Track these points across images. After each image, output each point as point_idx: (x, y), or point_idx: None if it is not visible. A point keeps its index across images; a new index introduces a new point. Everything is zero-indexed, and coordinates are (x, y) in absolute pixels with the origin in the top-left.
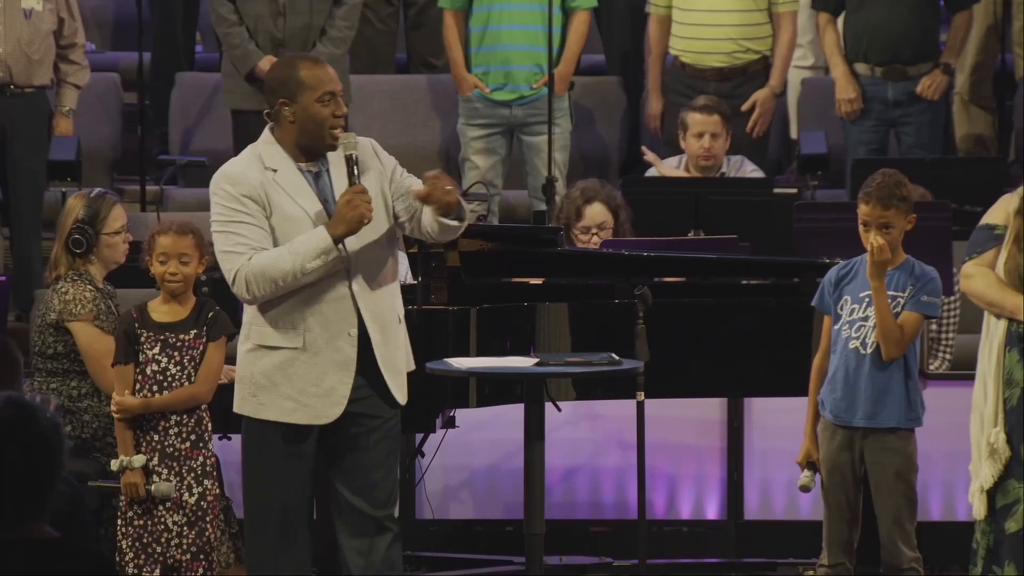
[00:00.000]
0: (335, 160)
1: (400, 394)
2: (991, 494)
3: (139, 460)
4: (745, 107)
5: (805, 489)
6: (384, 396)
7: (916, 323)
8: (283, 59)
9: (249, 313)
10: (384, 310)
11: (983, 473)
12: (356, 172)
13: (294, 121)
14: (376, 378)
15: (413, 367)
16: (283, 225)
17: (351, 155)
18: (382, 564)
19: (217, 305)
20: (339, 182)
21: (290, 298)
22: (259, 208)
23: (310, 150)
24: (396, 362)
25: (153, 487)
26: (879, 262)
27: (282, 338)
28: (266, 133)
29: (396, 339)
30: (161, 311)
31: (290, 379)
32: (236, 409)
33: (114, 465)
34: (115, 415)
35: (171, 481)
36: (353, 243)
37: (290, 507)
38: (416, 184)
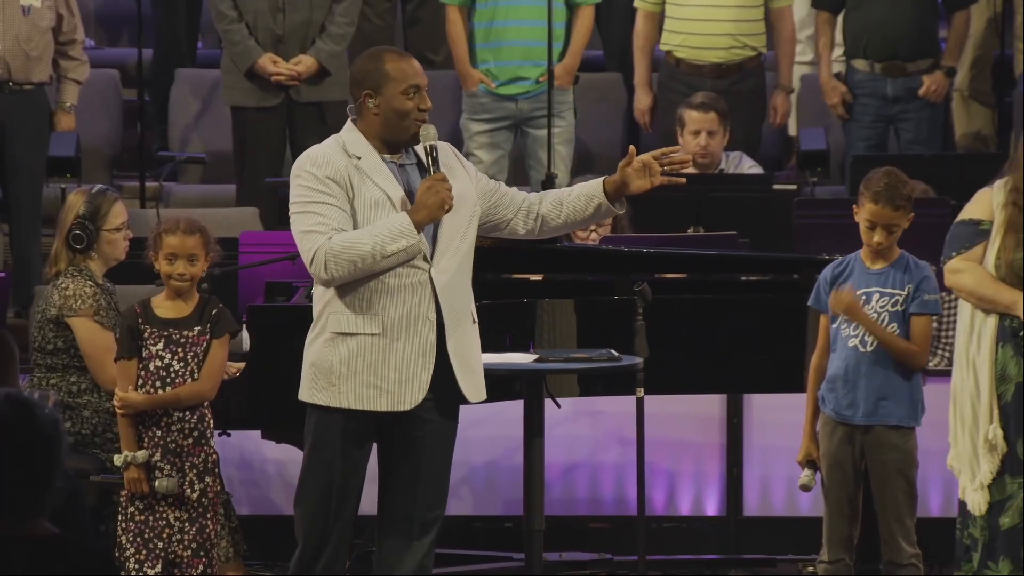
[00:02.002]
0: (421, 155)
1: (472, 391)
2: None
3: (142, 456)
4: (771, 118)
5: (805, 488)
6: (452, 393)
7: (928, 325)
8: (369, 51)
9: (323, 301)
10: (459, 305)
11: (982, 469)
12: (435, 162)
13: (378, 113)
14: (448, 372)
15: (484, 396)
16: (365, 209)
17: (429, 145)
18: (418, 567)
19: (220, 302)
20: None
21: (368, 283)
22: (342, 191)
23: (392, 142)
24: (469, 358)
25: (157, 483)
26: (852, 312)
27: (360, 323)
28: (348, 124)
29: (469, 337)
30: (165, 307)
31: (371, 366)
32: (306, 399)
33: (117, 460)
34: (118, 411)
35: (174, 476)
36: (439, 231)
37: (347, 498)
38: (501, 186)
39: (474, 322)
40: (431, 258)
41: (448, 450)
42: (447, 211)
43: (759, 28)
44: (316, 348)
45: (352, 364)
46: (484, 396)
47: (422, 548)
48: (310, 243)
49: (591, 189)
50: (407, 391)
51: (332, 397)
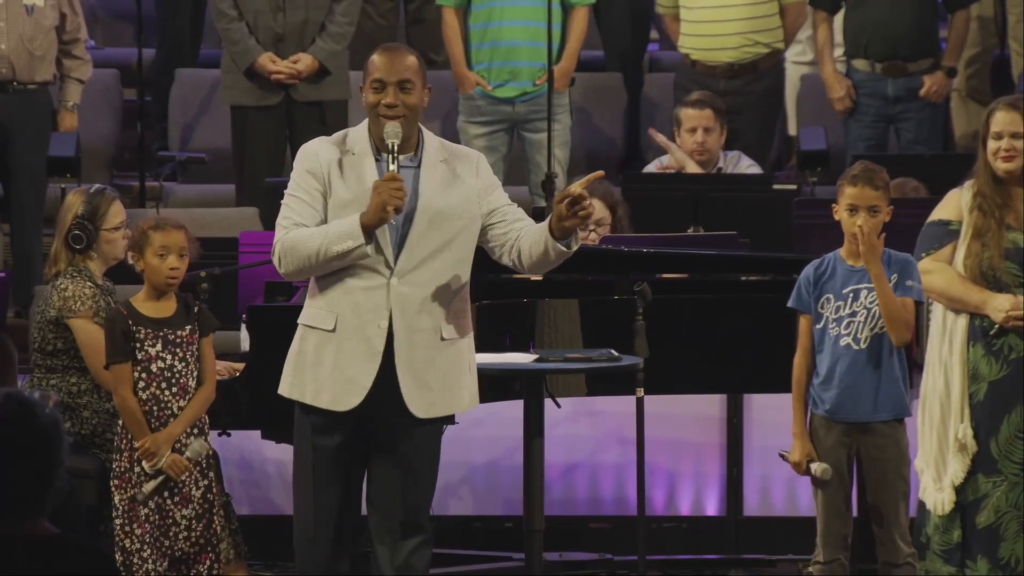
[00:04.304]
0: (429, 158)
1: (421, 407)
2: (959, 489)
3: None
4: None
5: (828, 473)
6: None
7: (911, 307)
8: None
9: (307, 292)
10: (422, 320)
11: (952, 469)
12: (393, 162)
13: (364, 107)
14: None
15: (474, 404)
16: (335, 207)
17: (390, 144)
18: (402, 567)
19: (198, 300)
20: (427, 178)
21: (332, 280)
22: (317, 185)
23: (380, 139)
24: (425, 373)
25: (188, 451)
26: (872, 248)
27: (319, 319)
28: (367, 120)
29: (432, 352)
30: (149, 307)
31: (321, 362)
32: (279, 390)
33: (148, 487)
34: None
35: (200, 437)
36: (414, 236)
37: (326, 489)
38: (519, 213)
39: (443, 339)
40: (394, 265)
41: (428, 452)
42: (392, 213)
43: (774, 24)
44: (294, 340)
45: (308, 357)
46: (442, 414)
47: (406, 549)
48: (276, 236)
49: (543, 223)
50: (344, 393)
51: (289, 388)
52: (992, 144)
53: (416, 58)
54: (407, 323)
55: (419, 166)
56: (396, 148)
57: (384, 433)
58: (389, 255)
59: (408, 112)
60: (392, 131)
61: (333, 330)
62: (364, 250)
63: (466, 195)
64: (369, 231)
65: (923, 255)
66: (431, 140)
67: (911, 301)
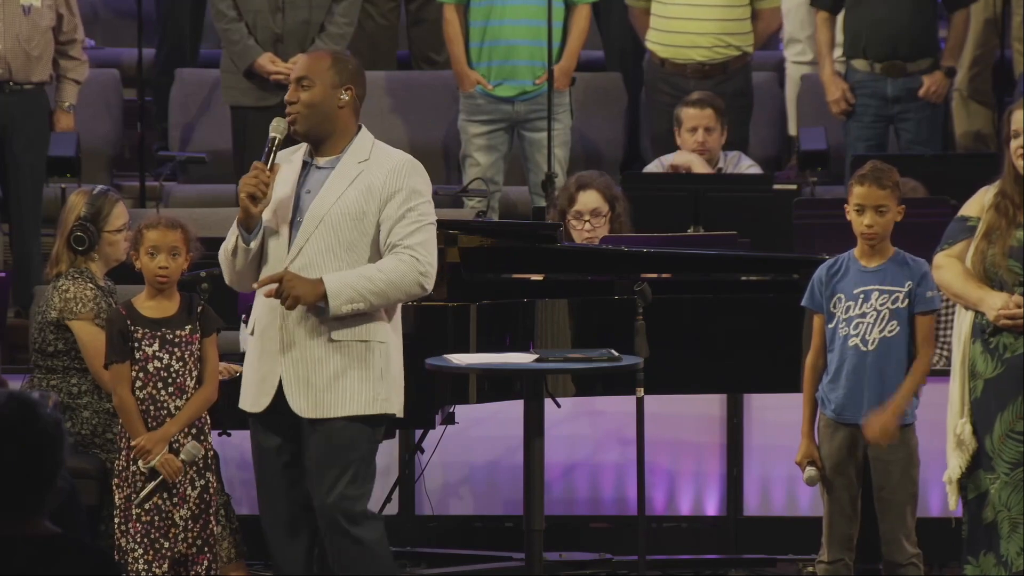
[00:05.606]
0: (348, 160)
1: (301, 405)
2: (962, 485)
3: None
4: None
5: (812, 482)
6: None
7: (932, 322)
8: None
9: None
10: (312, 316)
11: (951, 464)
12: (268, 153)
13: None
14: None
15: (377, 409)
16: (267, 212)
17: (271, 137)
18: (335, 565)
19: (202, 300)
20: (334, 180)
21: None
22: None
23: (308, 141)
24: (311, 373)
25: (183, 454)
26: (884, 427)
27: (252, 324)
28: None
29: (320, 352)
30: (149, 307)
31: (248, 365)
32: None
33: (149, 461)
34: (142, 457)
35: (190, 439)
36: (301, 238)
37: (273, 488)
38: (405, 231)
39: (332, 340)
40: (288, 265)
41: (337, 449)
42: (248, 201)
43: (744, 28)
44: None
45: (246, 363)
46: (331, 415)
47: (332, 551)
48: None
49: (342, 274)
50: (257, 394)
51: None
52: (1013, 143)
53: (330, 59)
54: (296, 322)
55: (334, 168)
56: (276, 142)
57: (306, 432)
58: (285, 255)
59: (304, 109)
60: (273, 125)
61: (252, 332)
62: (248, 245)
63: (365, 197)
64: (241, 224)
65: (939, 250)
66: (362, 144)
67: (929, 318)
